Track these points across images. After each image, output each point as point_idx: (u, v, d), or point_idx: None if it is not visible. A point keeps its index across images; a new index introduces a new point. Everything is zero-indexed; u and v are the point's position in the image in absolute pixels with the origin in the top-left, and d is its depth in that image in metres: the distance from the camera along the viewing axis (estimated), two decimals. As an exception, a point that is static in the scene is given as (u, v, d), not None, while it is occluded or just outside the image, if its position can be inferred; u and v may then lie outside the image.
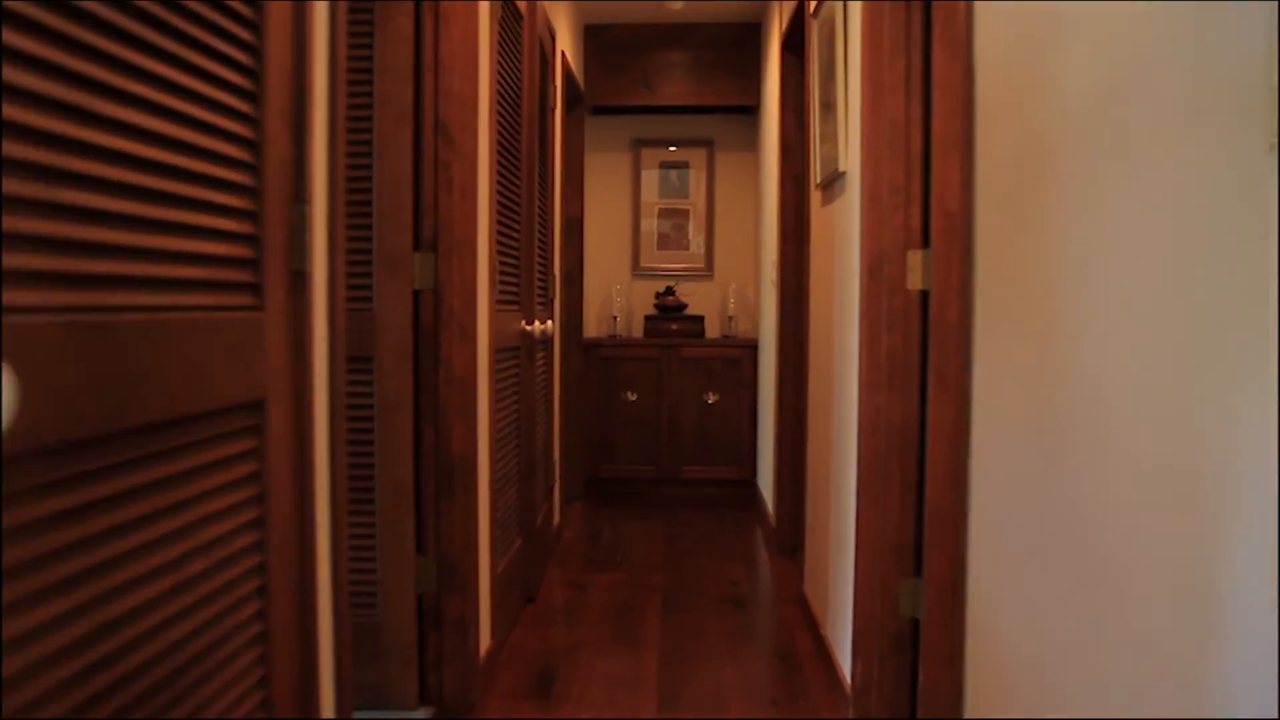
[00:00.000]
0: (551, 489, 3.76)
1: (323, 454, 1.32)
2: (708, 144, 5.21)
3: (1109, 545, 1.03)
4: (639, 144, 5.24)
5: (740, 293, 5.18)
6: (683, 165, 5.24)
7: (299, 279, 1.22)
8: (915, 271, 2.04)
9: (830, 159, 2.48)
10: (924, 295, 2.06)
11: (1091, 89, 1.09)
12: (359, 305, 2.16)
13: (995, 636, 1.45)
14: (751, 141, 5.19)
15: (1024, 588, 1.30)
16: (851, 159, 2.27)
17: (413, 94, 2.17)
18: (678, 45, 4.79)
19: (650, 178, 5.25)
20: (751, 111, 5.04)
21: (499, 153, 2.62)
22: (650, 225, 5.27)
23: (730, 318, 5.10)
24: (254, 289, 1.12)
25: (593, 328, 5.23)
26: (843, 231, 2.40)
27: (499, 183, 2.62)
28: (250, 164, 1.10)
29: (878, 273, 2.06)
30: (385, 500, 2.19)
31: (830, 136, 2.48)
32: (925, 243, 2.05)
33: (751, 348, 4.83)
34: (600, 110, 5.01)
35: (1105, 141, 1.05)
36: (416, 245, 2.20)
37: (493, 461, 2.51)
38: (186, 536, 0.97)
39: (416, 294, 2.21)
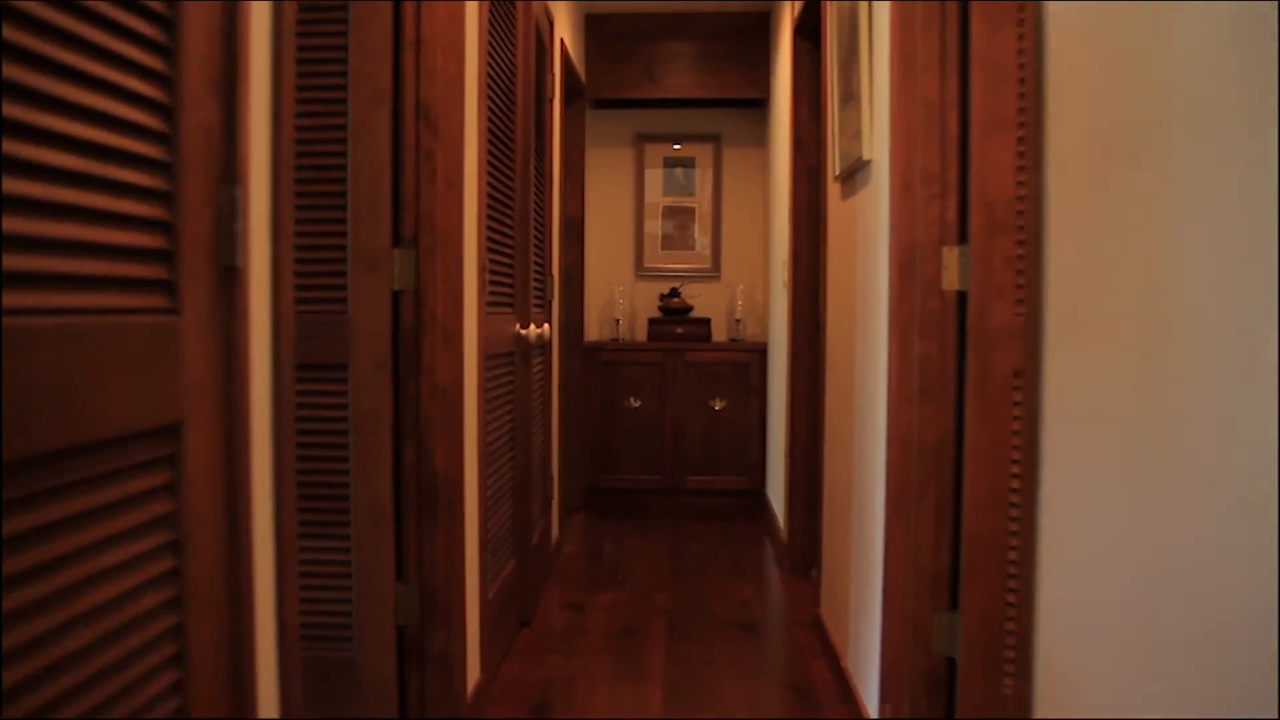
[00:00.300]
0: (549, 502, 3.54)
1: (263, 483, 1.11)
2: (714, 139, 4.99)
3: (1213, 597, 0.81)
4: (642, 139, 5.03)
5: (748, 294, 4.97)
6: (688, 161, 5.02)
7: (230, 276, 1.00)
8: (951, 270, 1.83)
9: (852, 148, 2.26)
10: (961, 297, 1.84)
11: (1192, 62, 0.87)
12: (331, 308, 1.95)
13: (1069, 691, 1.23)
14: (760, 136, 4.97)
15: (1104, 639, 1.08)
16: (878, 146, 2.06)
17: (391, 73, 1.96)
18: (683, 35, 4.58)
19: (654, 174, 5.03)
20: (760, 105, 4.82)
21: (490, 142, 2.40)
22: (654, 224, 5.05)
23: (738, 320, 4.88)
24: (167, 288, 0.91)
25: (594, 331, 5.02)
26: (867, 226, 2.18)
27: (490, 174, 2.41)
28: (161, 133, 0.89)
29: (909, 271, 1.84)
30: (361, 524, 1.98)
31: (852, 123, 2.27)
32: (962, 238, 1.84)
33: (760, 352, 4.61)
34: (602, 104, 4.80)
35: (1214, 121, 0.84)
36: (396, 241, 1.99)
37: (482, 478, 2.30)
38: (60, 605, 0.75)
39: (396, 295, 1.99)
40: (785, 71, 3.81)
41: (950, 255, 1.82)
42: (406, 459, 2.02)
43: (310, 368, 1.96)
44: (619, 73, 4.59)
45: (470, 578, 2.21)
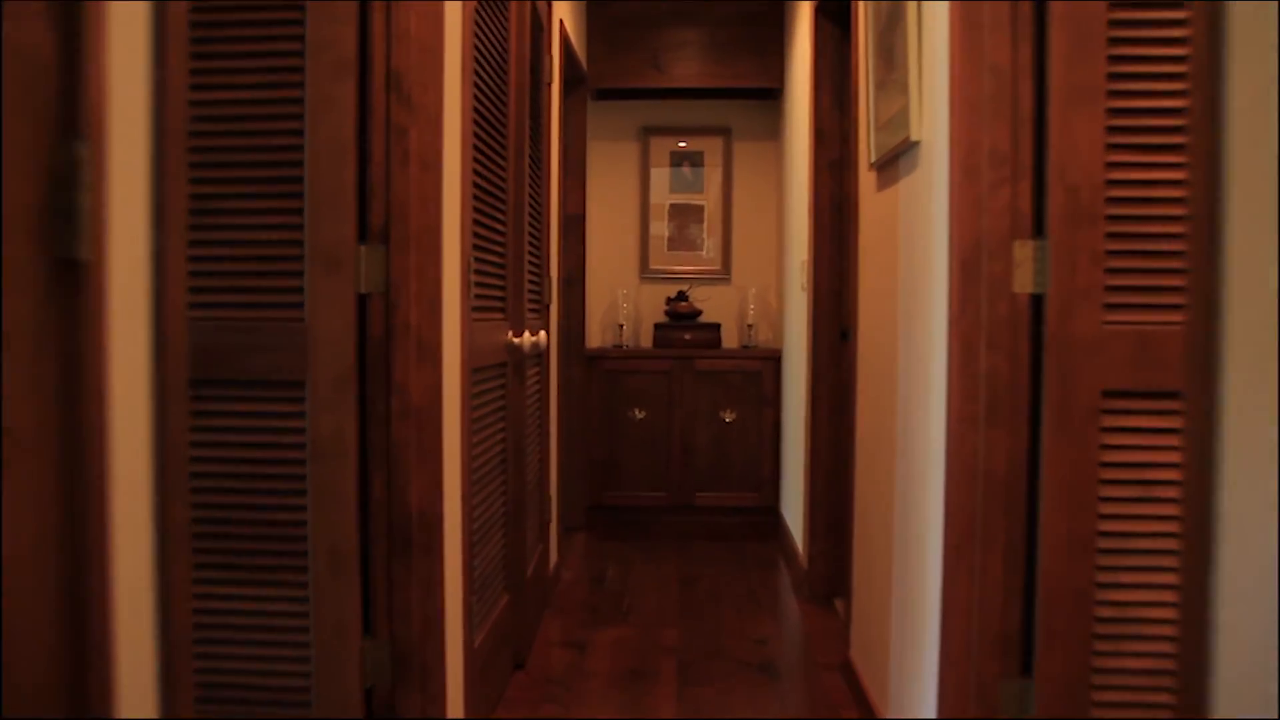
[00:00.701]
0: (547, 525, 3.23)
1: (136, 552, 0.80)
2: (724, 132, 4.69)
3: None
4: (647, 132, 4.72)
5: (761, 298, 4.66)
6: (696, 156, 4.71)
7: (70, 272, 0.70)
8: (1024, 269, 1.52)
9: (894, 129, 1.96)
10: (1035, 301, 1.53)
11: None
12: (285, 315, 1.65)
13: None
14: (773, 129, 4.67)
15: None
16: (931, 123, 1.75)
17: (358, 38, 1.66)
18: (690, 21, 4.28)
19: (660, 170, 4.73)
20: (773, 95, 4.52)
21: (477, 124, 2.10)
22: (660, 223, 4.74)
23: (750, 326, 4.58)
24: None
25: (596, 337, 4.71)
26: (913, 219, 1.88)
27: (477, 161, 2.11)
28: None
29: (973, 270, 1.54)
30: (320, 569, 1.67)
31: (894, 101, 1.96)
32: (1037, 230, 1.53)
33: (774, 360, 4.31)
34: (604, 94, 4.50)
35: None
36: (362, 236, 1.69)
37: (467, 510, 2.00)
38: None
39: (362, 299, 1.69)
40: (804, 56, 3.51)
41: (1023, 251, 1.52)
42: (375, 492, 1.72)
43: (259, 384, 1.65)
44: (623, 61, 4.29)
45: (452, 627, 1.90)
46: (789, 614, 3.15)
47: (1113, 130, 1.46)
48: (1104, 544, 1.49)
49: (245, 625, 1.68)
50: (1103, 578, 1.50)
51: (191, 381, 1.71)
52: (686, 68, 4.29)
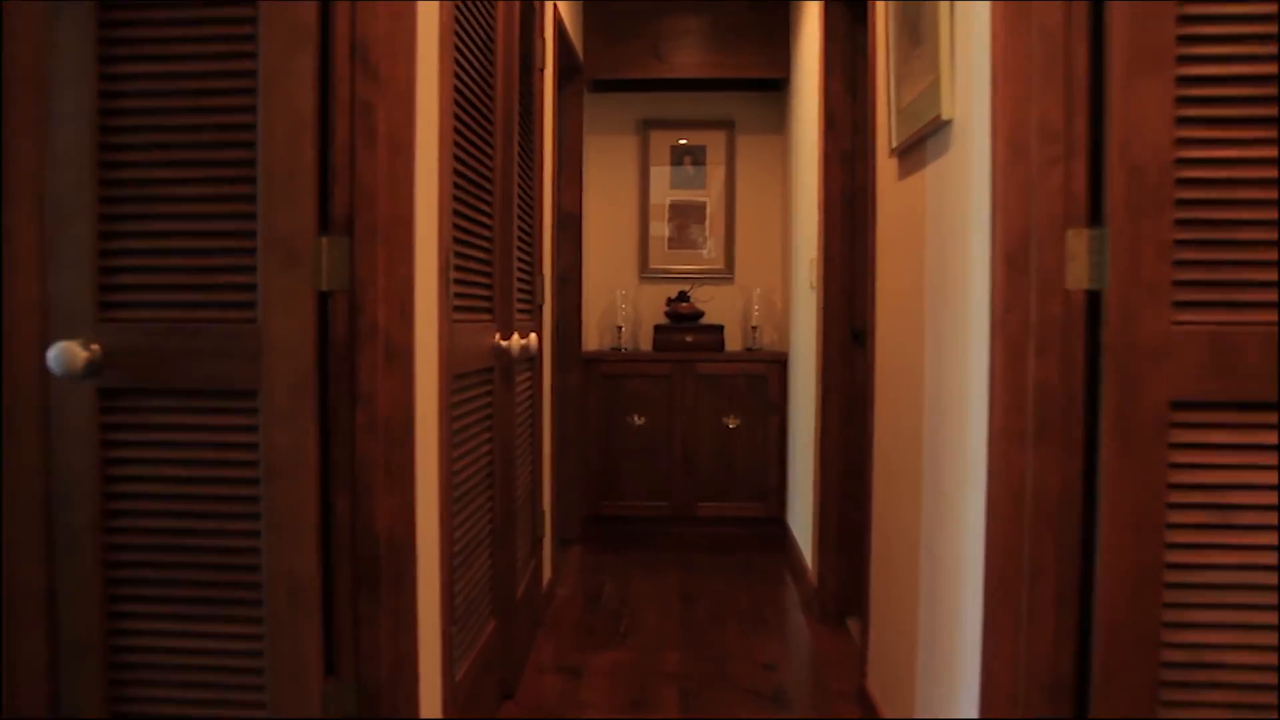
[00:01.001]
0: (540, 540, 3.03)
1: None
2: (727, 125, 4.49)
3: None
4: (647, 126, 4.52)
5: (766, 298, 4.46)
6: (698, 151, 4.52)
7: None
8: (1080, 262, 1.32)
9: (920, 109, 1.77)
10: (1092, 299, 1.34)
11: None
12: (234, 315, 1.46)
13: None
14: (778, 122, 4.47)
15: None
16: (966, 99, 1.56)
17: (319, 2, 1.46)
18: (691, 9, 4.09)
19: (661, 165, 4.53)
20: (779, 87, 4.33)
21: (458, 105, 1.91)
22: (660, 220, 4.54)
23: (754, 328, 4.38)
24: None
25: (593, 340, 4.52)
26: (944, 207, 1.68)
27: (459, 147, 1.91)
28: None
29: (1020, 264, 1.34)
30: (277, 602, 1.48)
31: (921, 77, 1.77)
32: (1094, 218, 1.34)
33: (780, 363, 4.11)
34: (602, 86, 4.30)
35: None
36: (324, 227, 1.49)
37: (446, 532, 1.80)
38: None
39: (324, 298, 1.49)
40: (812, 40, 3.32)
41: (1078, 241, 1.32)
42: (338, 515, 1.52)
43: (205, 394, 1.46)
44: (621, 50, 4.10)
45: (428, 662, 1.71)
46: (798, 635, 2.95)
47: (1184, 101, 1.26)
48: (1173, 577, 1.30)
49: (192, 666, 1.49)
50: (1171, 616, 1.31)
51: (128, 391, 1.53)
52: (688, 57, 4.10)
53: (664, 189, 4.53)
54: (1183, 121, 1.26)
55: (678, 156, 4.52)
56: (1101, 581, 1.32)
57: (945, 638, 1.66)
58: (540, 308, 3.00)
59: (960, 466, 1.57)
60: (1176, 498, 1.29)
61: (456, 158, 1.89)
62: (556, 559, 3.53)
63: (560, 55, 3.49)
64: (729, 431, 4.13)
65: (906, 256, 1.96)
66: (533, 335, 2.47)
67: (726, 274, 4.52)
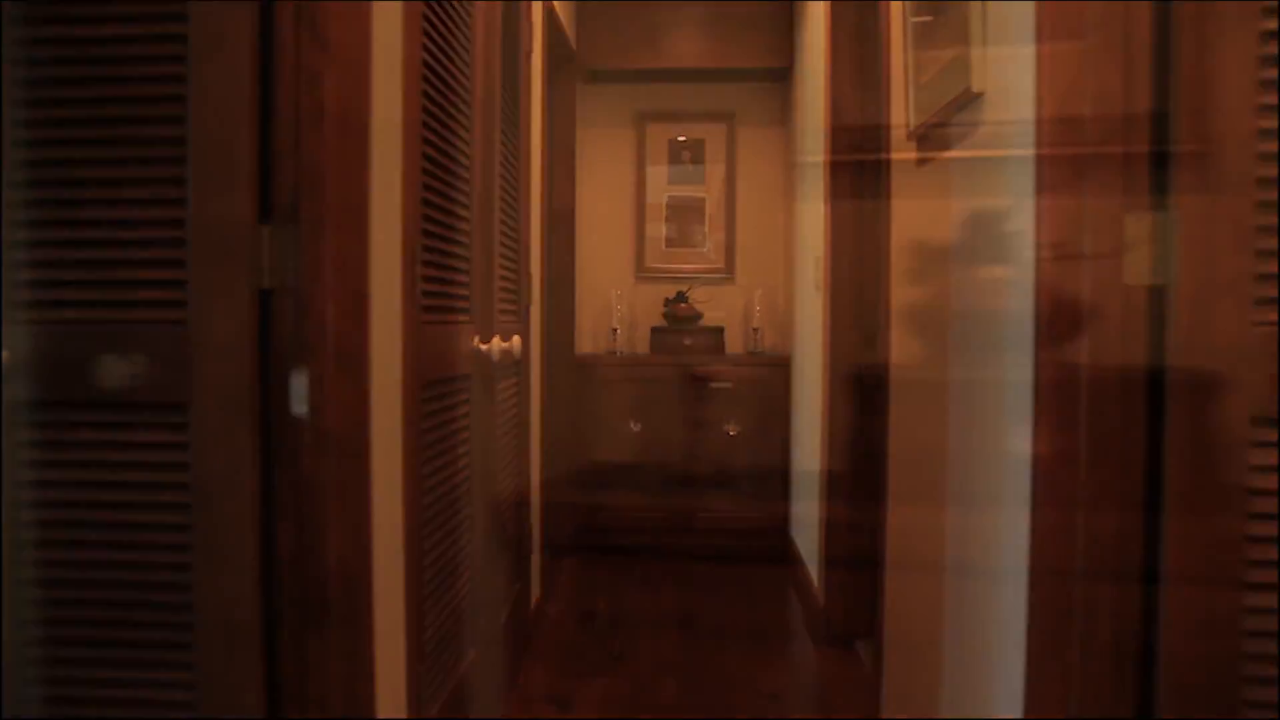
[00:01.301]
0: (527, 557, 2.84)
1: None
2: (728, 118, 4.30)
3: None
4: (644, 118, 4.33)
5: (768, 299, 4.27)
6: (697, 144, 4.32)
7: None
8: (1141, 251, 1.13)
9: (945, 84, 1.57)
10: (1155, 295, 1.14)
11: None
12: (161, 315, 1.27)
13: None
14: (781, 115, 4.28)
15: None
16: (1001, 69, 1.37)
17: (257, -43, 1.27)
18: (691, -4, 3.90)
19: (658, 160, 4.33)
20: (781, 77, 4.14)
21: (427, 83, 1.71)
22: (658, 218, 4.35)
23: (755, 330, 4.19)
24: None
25: (587, 342, 4.32)
26: (972, 193, 1.49)
27: (428, 128, 1.72)
28: None
29: (1069, 255, 1.15)
30: (210, 645, 1.28)
31: (944, 51, 1.58)
32: (1159, 201, 1.14)
33: (783, 367, 3.92)
34: (597, 76, 4.11)
35: None
36: (264, 214, 1.30)
37: (412, 559, 1.61)
38: None
39: (265, 296, 1.30)
40: (818, 24, 3.13)
41: (1139, 228, 1.13)
42: (281, 546, 1.33)
43: (126, 407, 1.27)
44: (617, 39, 3.91)
45: (390, 707, 1.52)
46: (804, 660, 2.76)
47: (1269, 62, 1.07)
48: (1253, 624, 1.11)
49: (114, 717, 1.30)
50: (1250, 668, 1.11)
51: (37, 404, 1.34)
52: (687, 45, 3.91)
53: (661, 185, 4.34)
54: (1267, 85, 1.07)
55: (676, 151, 4.33)
56: (1167, 627, 1.13)
57: (977, 678, 1.47)
58: (528, 309, 2.81)
59: (995, 486, 1.38)
60: (1257, 529, 1.10)
61: (425, 140, 1.70)
62: (547, 573, 3.34)
63: (551, 42, 3.30)
64: (729, 438, 3.94)
65: (927, 250, 1.77)
66: (516, 338, 2.28)
67: (727, 273, 4.33)
